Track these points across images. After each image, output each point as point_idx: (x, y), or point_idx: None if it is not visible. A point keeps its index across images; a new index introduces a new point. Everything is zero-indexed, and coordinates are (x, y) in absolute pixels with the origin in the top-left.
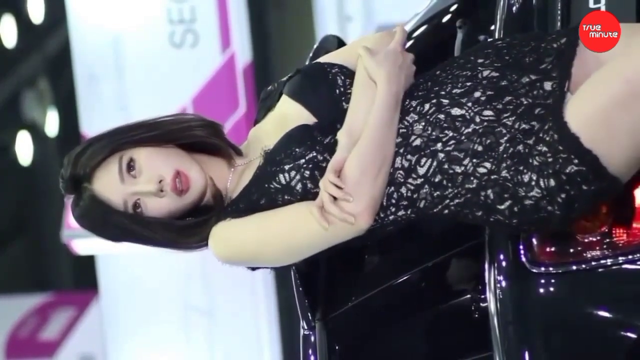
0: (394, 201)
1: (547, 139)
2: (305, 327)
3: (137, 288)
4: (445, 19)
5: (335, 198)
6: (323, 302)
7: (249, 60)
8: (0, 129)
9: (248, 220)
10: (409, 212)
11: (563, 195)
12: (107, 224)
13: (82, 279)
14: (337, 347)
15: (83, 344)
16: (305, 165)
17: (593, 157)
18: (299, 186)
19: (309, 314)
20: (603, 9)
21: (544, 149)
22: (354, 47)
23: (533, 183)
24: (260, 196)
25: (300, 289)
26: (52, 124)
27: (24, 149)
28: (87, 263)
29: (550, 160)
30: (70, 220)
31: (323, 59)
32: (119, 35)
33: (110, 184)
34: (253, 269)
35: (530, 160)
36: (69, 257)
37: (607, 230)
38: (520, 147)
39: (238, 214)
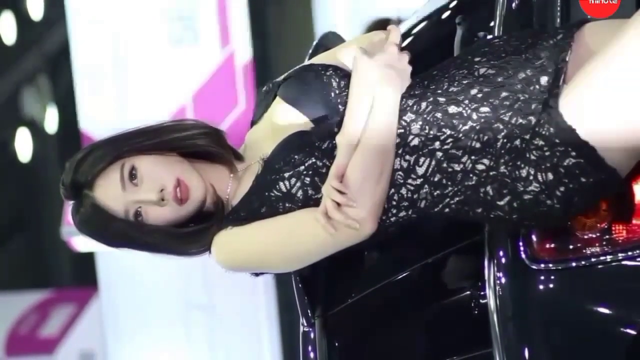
0: (394, 203)
1: (544, 132)
2: (305, 324)
3: (137, 285)
4: (445, 15)
5: (338, 204)
6: (323, 299)
7: (248, 58)
8: (0, 126)
9: (251, 228)
10: (410, 213)
11: (562, 189)
12: (108, 231)
13: (82, 275)
14: (336, 344)
15: (83, 341)
16: (305, 172)
17: (590, 148)
18: (299, 193)
19: (309, 311)
20: None
21: (541, 142)
22: (349, 47)
23: (531, 177)
24: (261, 204)
25: (300, 286)
26: (51, 121)
27: (23, 145)
28: (87, 260)
29: (547, 154)
30: (69, 217)
31: (317, 60)
32: (118, 32)
33: (111, 192)
34: (256, 274)
35: (528, 155)
36: (69, 254)
37: (606, 226)
38: (517, 142)
39: (240, 222)
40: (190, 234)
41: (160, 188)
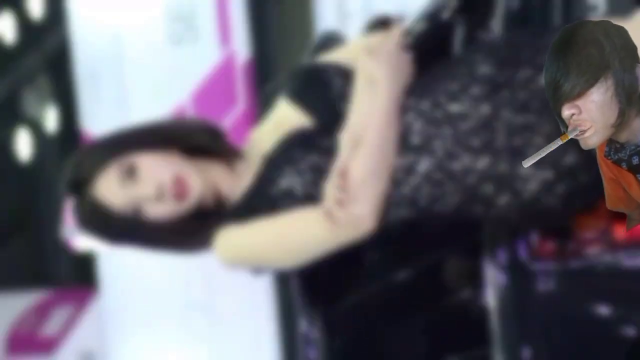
0: (395, 201)
1: (544, 130)
2: (305, 324)
3: (137, 285)
4: (445, 15)
5: (340, 200)
6: (323, 298)
7: (248, 57)
8: None
9: (252, 223)
10: (410, 211)
11: (562, 188)
12: (108, 227)
13: (82, 275)
14: (337, 343)
15: (83, 341)
16: (305, 169)
17: None
18: (300, 190)
19: (309, 311)
20: (602, 5)
21: (541, 140)
22: (352, 47)
23: (531, 176)
24: (261, 201)
25: (300, 285)
26: (51, 121)
27: (23, 145)
28: (87, 260)
29: None
30: (69, 217)
31: (320, 59)
32: (118, 32)
33: (111, 189)
34: (257, 272)
35: (528, 153)
36: (69, 254)
37: (606, 227)
38: (517, 141)
39: (240, 218)
40: (189, 230)
41: (158, 184)
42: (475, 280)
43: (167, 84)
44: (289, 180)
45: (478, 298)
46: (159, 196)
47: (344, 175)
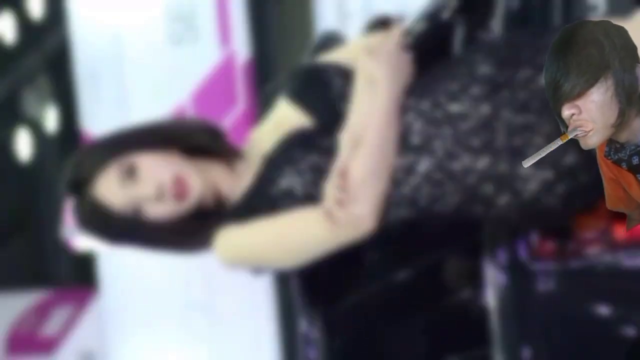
0: (395, 201)
1: (544, 130)
2: (305, 324)
3: (137, 285)
4: (445, 15)
5: (340, 200)
6: (323, 298)
7: (248, 57)
8: None
9: (252, 223)
10: (410, 211)
11: (562, 188)
12: (109, 227)
13: (82, 275)
14: (337, 343)
15: (83, 341)
16: (305, 169)
17: None
18: (300, 190)
19: (309, 311)
20: (602, 5)
21: (541, 140)
22: (352, 47)
23: (531, 176)
24: (261, 201)
25: (300, 285)
26: (51, 121)
27: (23, 146)
28: (87, 260)
29: None
30: (69, 217)
31: (320, 59)
32: (118, 32)
33: (111, 189)
34: (257, 273)
35: (528, 153)
36: (69, 254)
37: (606, 227)
38: (517, 141)
39: (240, 218)
40: (189, 230)
41: (158, 184)
42: (475, 280)
43: (167, 84)
44: (289, 180)
45: (478, 298)
46: (159, 196)
47: (344, 175)
